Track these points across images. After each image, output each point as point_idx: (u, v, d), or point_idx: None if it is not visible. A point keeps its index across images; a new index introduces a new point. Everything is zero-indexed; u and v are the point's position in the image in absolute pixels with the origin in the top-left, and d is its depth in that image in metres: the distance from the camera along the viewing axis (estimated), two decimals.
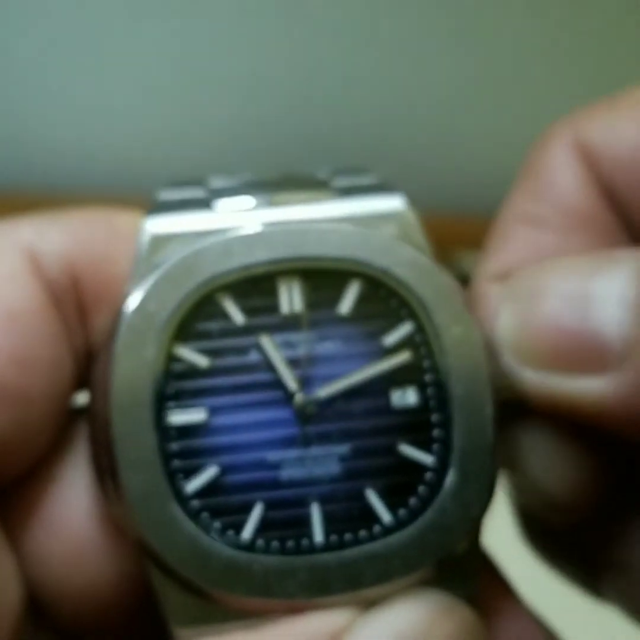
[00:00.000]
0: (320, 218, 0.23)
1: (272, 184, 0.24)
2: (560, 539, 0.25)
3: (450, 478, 0.22)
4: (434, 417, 0.22)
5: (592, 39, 0.83)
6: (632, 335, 0.20)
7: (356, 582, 0.21)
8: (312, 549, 0.21)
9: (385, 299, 0.23)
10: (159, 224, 0.23)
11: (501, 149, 0.86)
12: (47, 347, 0.22)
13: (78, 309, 0.23)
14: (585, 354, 0.21)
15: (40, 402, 0.22)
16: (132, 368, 0.21)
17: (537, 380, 0.22)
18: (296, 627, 0.20)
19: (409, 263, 0.23)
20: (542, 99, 0.84)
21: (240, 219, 0.23)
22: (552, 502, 0.23)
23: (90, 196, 0.86)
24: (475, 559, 0.22)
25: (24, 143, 0.86)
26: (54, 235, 0.23)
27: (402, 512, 0.22)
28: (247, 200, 0.23)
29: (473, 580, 0.21)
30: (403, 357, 0.23)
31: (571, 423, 0.22)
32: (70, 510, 0.22)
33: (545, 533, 0.25)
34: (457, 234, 0.85)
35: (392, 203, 0.24)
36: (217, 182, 0.24)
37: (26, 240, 0.23)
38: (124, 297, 0.22)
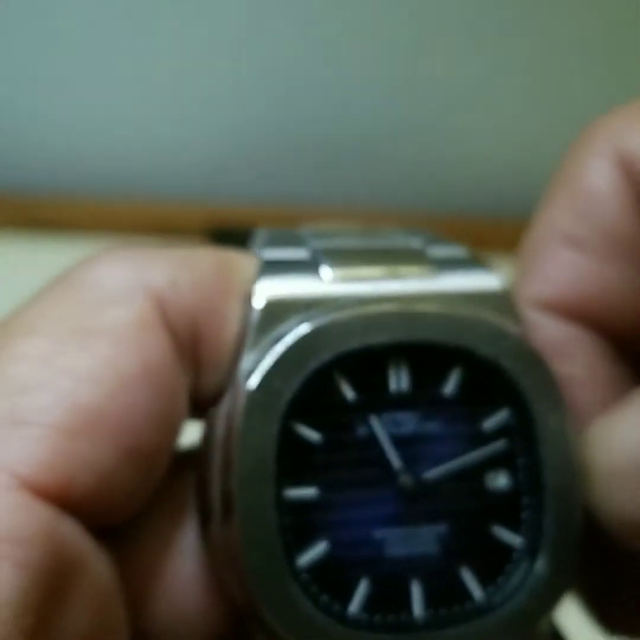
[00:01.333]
0: (426, 294, 0.24)
1: (371, 253, 0.25)
2: None
3: (540, 562, 0.23)
4: (525, 501, 0.24)
5: (598, 37, 0.84)
6: None
7: None
8: (413, 625, 0.22)
9: (486, 384, 0.24)
10: (271, 289, 0.23)
11: (510, 151, 0.88)
12: (177, 403, 0.21)
13: (195, 366, 0.22)
14: None
15: (166, 459, 0.22)
16: (257, 442, 0.22)
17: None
18: None
19: (511, 351, 0.24)
20: (548, 101, 0.86)
21: (350, 290, 0.23)
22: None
23: (91, 197, 0.85)
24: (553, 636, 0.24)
25: (23, 145, 0.84)
26: (183, 285, 0.22)
27: (492, 590, 0.23)
28: (353, 270, 0.24)
29: None
30: (500, 443, 0.24)
31: None
32: (178, 569, 0.22)
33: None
34: (462, 236, 0.87)
35: (489, 281, 0.24)
36: (317, 243, 0.25)
37: (156, 287, 0.21)
38: (238, 366, 0.22)
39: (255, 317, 0.23)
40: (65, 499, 0.20)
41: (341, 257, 0.24)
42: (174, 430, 0.22)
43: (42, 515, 0.19)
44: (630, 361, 0.25)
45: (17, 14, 0.78)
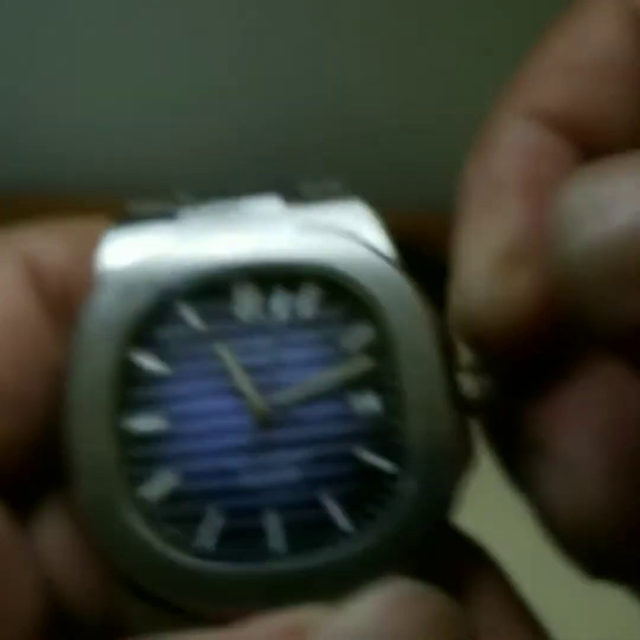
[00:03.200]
0: (279, 224, 0.23)
1: (235, 192, 0.24)
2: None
3: (410, 485, 0.21)
4: (393, 423, 0.22)
5: None
6: None
7: (315, 589, 0.21)
8: (270, 557, 0.21)
9: (342, 303, 0.23)
10: (120, 234, 0.23)
11: None
12: (44, 354, 0.22)
13: (68, 323, 0.23)
14: None
15: (40, 407, 0.22)
16: (90, 376, 0.21)
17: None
18: (258, 625, 0.20)
19: (368, 267, 0.23)
20: None
21: (199, 227, 0.23)
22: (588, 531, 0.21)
23: (90, 198, 0.87)
24: (436, 560, 0.22)
25: (22, 145, 0.87)
26: (55, 251, 0.24)
27: (361, 519, 0.22)
28: (206, 210, 0.24)
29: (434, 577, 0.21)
30: (362, 362, 0.22)
31: None
32: (57, 528, 0.23)
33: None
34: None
35: (352, 209, 0.24)
36: (184, 195, 0.25)
37: (29, 252, 0.23)
38: (82, 308, 0.22)
39: (100, 261, 0.23)
40: None
41: (201, 199, 0.24)
42: (43, 378, 0.22)
43: None
44: None
45: (16, 14, 0.80)
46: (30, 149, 0.86)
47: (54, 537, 0.23)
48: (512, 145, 0.23)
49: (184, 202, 0.24)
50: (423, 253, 0.75)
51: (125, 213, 0.24)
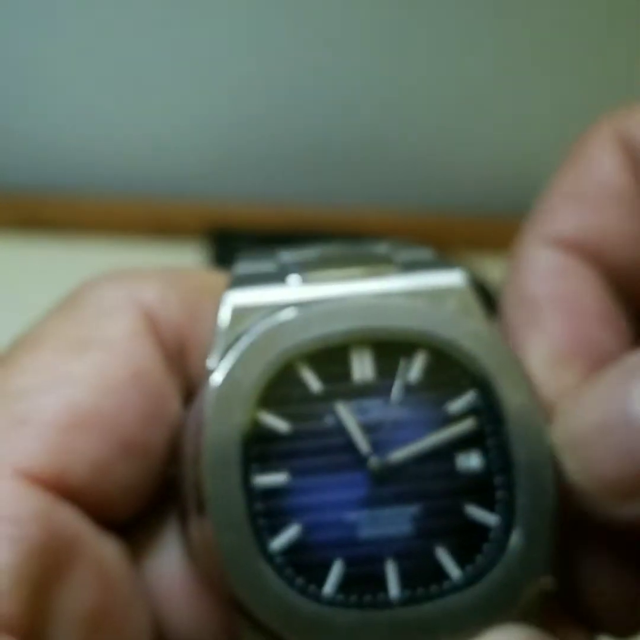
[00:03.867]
0: (387, 291, 0.25)
1: (337, 260, 0.26)
2: None
3: (514, 538, 0.23)
4: (497, 480, 0.24)
5: (600, 38, 0.84)
6: None
7: (432, 634, 0.23)
8: (389, 604, 0.23)
9: (450, 368, 0.25)
10: (238, 298, 0.25)
11: (506, 149, 0.89)
12: (166, 405, 0.24)
13: (184, 372, 0.25)
14: None
15: (159, 459, 0.24)
16: (222, 432, 0.23)
17: (618, 511, 0.23)
18: None
19: (472, 335, 0.25)
20: (549, 100, 0.86)
21: (313, 292, 0.25)
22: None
23: (90, 197, 0.86)
24: (540, 609, 0.24)
25: (22, 145, 0.86)
26: (172, 301, 0.25)
27: (469, 569, 0.23)
28: (319, 276, 0.25)
29: (539, 626, 0.23)
30: (467, 423, 0.24)
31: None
32: (167, 567, 0.24)
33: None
34: (460, 234, 0.87)
35: (451, 278, 0.26)
36: (286, 257, 0.26)
37: (148, 301, 0.24)
38: (208, 368, 0.24)
39: (222, 323, 0.24)
40: (60, 487, 0.22)
41: (307, 265, 0.26)
42: (165, 428, 0.24)
43: (37, 499, 0.22)
44: (630, 302, 0.27)
45: (18, 15, 0.80)
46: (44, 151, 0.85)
47: (165, 575, 0.24)
48: (539, 268, 0.27)
49: (288, 263, 0.26)
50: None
51: (236, 274, 0.25)
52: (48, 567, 0.21)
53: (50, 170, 0.86)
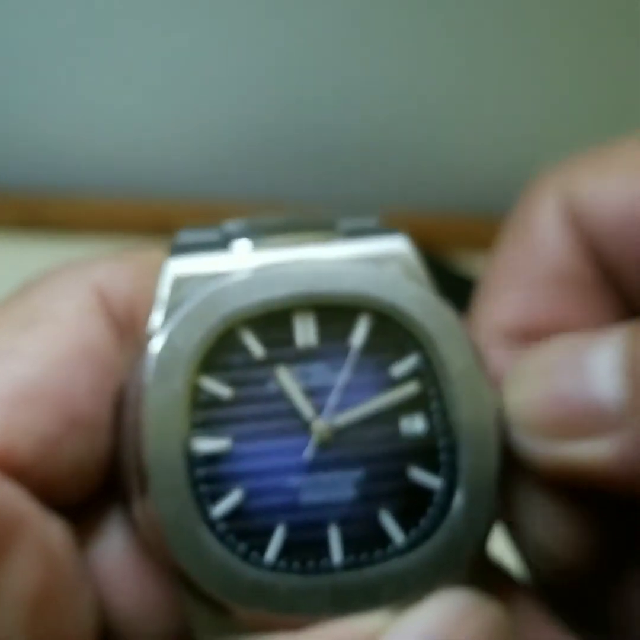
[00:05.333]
0: (331, 258, 0.25)
1: (282, 227, 0.26)
2: (563, 597, 0.26)
3: (457, 499, 0.23)
4: (441, 443, 0.24)
5: (596, 40, 0.84)
6: (626, 399, 0.22)
7: (375, 598, 0.22)
8: (332, 569, 0.23)
9: (393, 332, 0.24)
10: (178, 267, 0.25)
11: (502, 149, 0.88)
12: (114, 379, 0.24)
13: (135, 348, 0.25)
14: (586, 418, 0.22)
15: (106, 431, 0.23)
16: (163, 399, 0.23)
17: (543, 448, 0.23)
18: (335, 629, 0.21)
19: (415, 298, 0.24)
20: (544, 101, 0.86)
21: (256, 259, 0.25)
22: (552, 560, 0.25)
23: (90, 197, 0.86)
24: (483, 569, 0.24)
25: (22, 144, 0.86)
26: (122, 278, 0.25)
27: (414, 532, 0.23)
28: (260, 242, 0.25)
29: (482, 588, 0.23)
30: (410, 387, 0.24)
31: (574, 487, 0.24)
32: (112, 550, 0.24)
33: (551, 590, 0.26)
34: (456, 234, 0.86)
35: (394, 244, 0.26)
36: (230, 226, 0.26)
37: (99, 280, 0.24)
38: (148, 334, 0.24)
39: (162, 292, 0.24)
40: (5, 463, 0.22)
41: (251, 233, 0.26)
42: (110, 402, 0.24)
43: None
44: None
45: (18, 13, 0.81)
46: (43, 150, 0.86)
47: (109, 556, 0.24)
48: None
49: (231, 231, 0.26)
50: (435, 261, 0.76)
51: (177, 243, 0.25)
52: None
53: (50, 170, 0.87)
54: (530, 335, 0.27)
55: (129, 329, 0.24)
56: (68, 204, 0.86)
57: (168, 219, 0.86)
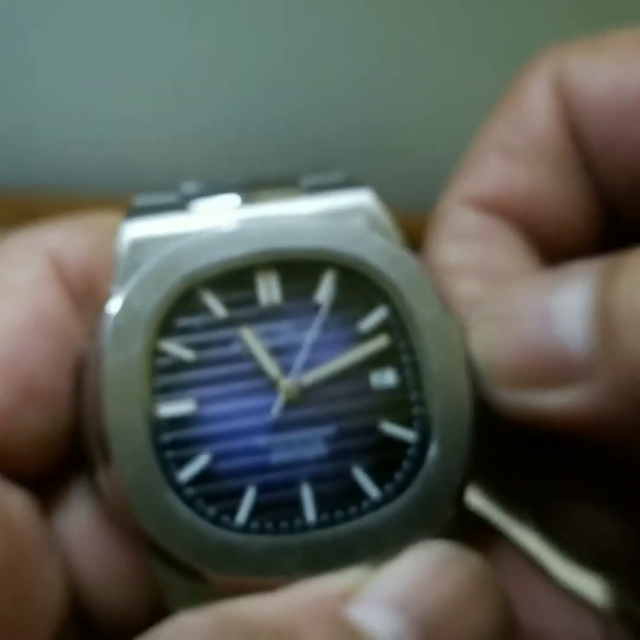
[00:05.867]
0: (292, 214, 0.24)
1: (242, 186, 0.25)
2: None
3: (431, 451, 0.23)
4: (413, 396, 0.23)
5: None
6: (594, 345, 0.21)
7: (350, 556, 0.22)
8: (305, 528, 0.22)
9: (359, 286, 0.24)
10: (137, 228, 0.24)
11: None
12: (72, 347, 0.23)
13: (92, 313, 0.24)
14: (554, 368, 0.21)
15: (66, 401, 0.23)
16: (122, 364, 0.22)
17: (512, 399, 0.22)
18: (308, 588, 0.21)
19: (380, 251, 0.24)
20: None
21: (215, 219, 0.24)
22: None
23: (91, 197, 0.86)
24: (460, 522, 0.23)
25: (21, 143, 0.86)
26: (78, 245, 0.24)
27: (388, 487, 0.23)
28: (219, 201, 0.24)
29: (460, 541, 0.22)
30: (379, 341, 0.24)
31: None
32: (78, 520, 0.23)
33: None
34: None
35: (359, 198, 0.25)
36: (189, 187, 0.25)
37: (53, 247, 0.24)
38: (106, 298, 0.23)
39: (120, 256, 0.24)
40: None
41: (210, 192, 0.25)
42: (70, 370, 0.23)
43: None
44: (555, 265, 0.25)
45: (17, 15, 0.80)
46: (40, 149, 0.86)
47: (75, 527, 0.23)
48: (455, 233, 0.26)
49: (190, 193, 0.25)
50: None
51: (134, 206, 0.25)
52: None
53: (49, 170, 0.86)
54: (504, 209, 0.26)
55: (86, 296, 0.24)
56: (66, 204, 0.85)
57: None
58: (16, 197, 0.85)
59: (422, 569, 0.20)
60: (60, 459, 0.23)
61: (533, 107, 0.26)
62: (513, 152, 0.26)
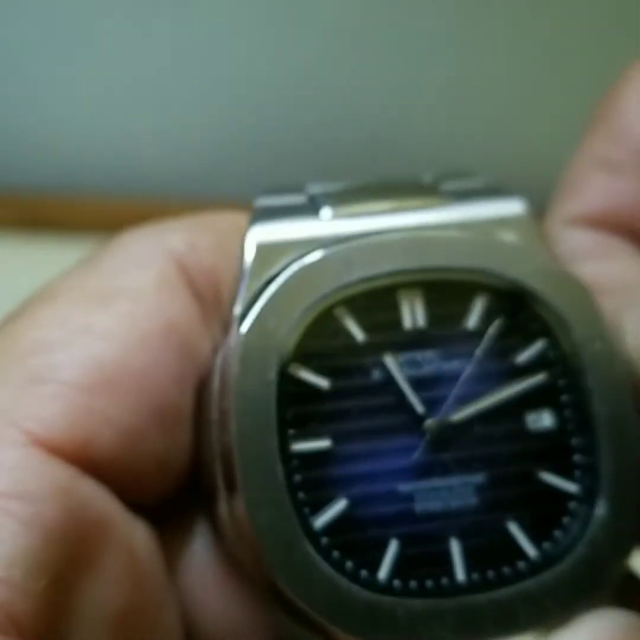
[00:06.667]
0: (437, 224, 0.21)
1: (376, 190, 0.22)
2: None
3: (599, 508, 0.20)
4: (575, 441, 0.20)
5: (594, 37, 0.83)
6: None
7: (512, 623, 0.19)
8: (457, 589, 0.19)
9: (515, 313, 0.21)
10: (264, 233, 0.21)
11: (505, 149, 0.87)
12: (202, 362, 0.20)
13: (221, 326, 0.21)
14: None
15: (190, 424, 0.20)
16: (253, 392, 0.19)
17: None
18: None
19: (540, 272, 0.21)
20: (547, 99, 0.85)
21: (353, 227, 0.21)
22: None
23: (91, 197, 0.85)
24: (626, 586, 0.20)
25: (21, 143, 0.85)
26: (203, 247, 0.21)
27: (547, 546, 0.20)
28: (358, 207, 0.22)
29: (624, 606, 0.19)
30: (538, 377, 0.21)
31: None
32: (197, 558, 0.20)
33: None
34: None
35: (511, 207, 0.22)
36: (316, 188, 0.23)
37: (177, 250, 0.21)
38: (233, 314, 0.20)
39: (247, 264, 0.21)
40: (84, 458, 0.18)
41: (342, 196, 0.22)
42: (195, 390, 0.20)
43: (56, 473, 0.18)
44: None
45: (17, 15, 0.79)
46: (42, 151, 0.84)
47: (194, 568, 0.20)
48: (567, 255, 0.23)
49: (318, 193, 0.22)
50: None
51: (260, 205, 0.22)
52: (69, 555, 0.17)
53: (50, 170, 0.84)
54: (615, 223, 0.24)
55: (213, 305, 0.21)
56: (67, 204, 0.84)
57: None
58: (16, 197, 0.84)
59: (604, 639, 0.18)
60: (178, 489, 0.20)
61: (632, 118, 0.24)
62: (617, 167, 0.24)
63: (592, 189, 0.24)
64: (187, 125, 0.86)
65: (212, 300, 0.21)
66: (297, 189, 0.23)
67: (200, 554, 0.20)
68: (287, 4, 0.81)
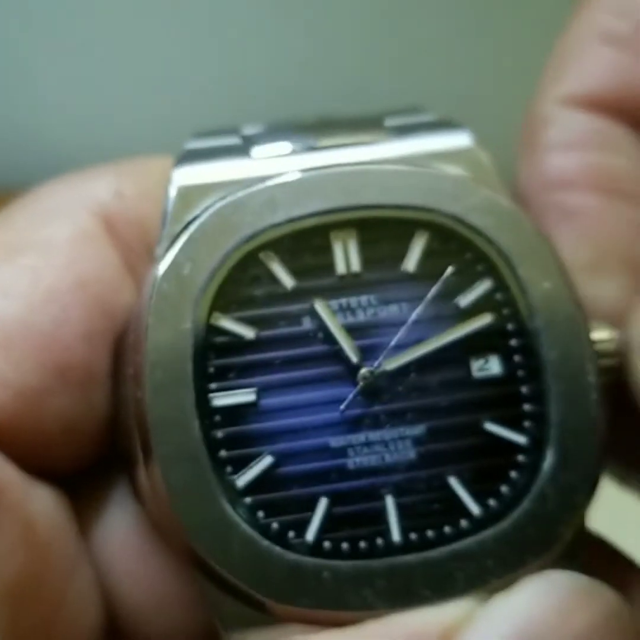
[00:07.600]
0: (376, 160, 0.20)
1: (313, 127, 0.21)
2: None
3: (548, 460, 0.18)
4: (524, 389, 0.19)
5: None
6: None
7: (448, 586, 0.17)
8: (390, 550, 0.18)
9: (458, 252, 0.19)
10: (187, 175, 0.20)
11: (502, 149, 0.85)
12: (121, 318, 0.19)
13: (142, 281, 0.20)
14: None
15: (104, 383, 0.19)
16: (168, 343, 0.18)
17: None
18: (400, 624, 0.17)
19: (486, 208, 0.19)
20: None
21: (282, 165, 0.20)
22: None
23: None
24: (580, 546, 0.19)
25: (21, 143, 0.86)
26: (130, 195, 0.20)
27: (492, 502, 0.18)
28: (287, 145, 0.20)
29: (577, 568, 0.17)
30: (483, 320, 0.19)
31: None
32: (116, 526, 0.19)
33: None
34: None
35: (458, 140, 0.20)
36: (250, 128, 0.21)
37: (101, 199, 0.20)
38: (153, 260, 0.19)
39: (169, 206, 0.19)
40: None
41: (276, 136, 0.21)
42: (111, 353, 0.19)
43: None
44: None
45: (16, 14, 0.78)
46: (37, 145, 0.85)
47: (113, 537, 0.19)
48: (565, 140, 0.21)
49: (252, 134, 0.21)
50: None
51: (187, 148, 0.21)
52: None
53: (50, 170, 0.85)
54: (619, 108, 0.22)
55: (141, 257, 0.20)
56: None
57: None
58: (16, 197, 0.86)
59: (546, 605, 0.16)
60: (96, 454, 0.19)
61: None
62: (622, 40, 0.21)
63: (593, 64, 0.22)
64: (188, 126, 0.86)
65: (140, 250, 0.20)
66: (232, 130, 0.21)
67: (120, 525, 0.19)
68: (284, 5, 0.80)
